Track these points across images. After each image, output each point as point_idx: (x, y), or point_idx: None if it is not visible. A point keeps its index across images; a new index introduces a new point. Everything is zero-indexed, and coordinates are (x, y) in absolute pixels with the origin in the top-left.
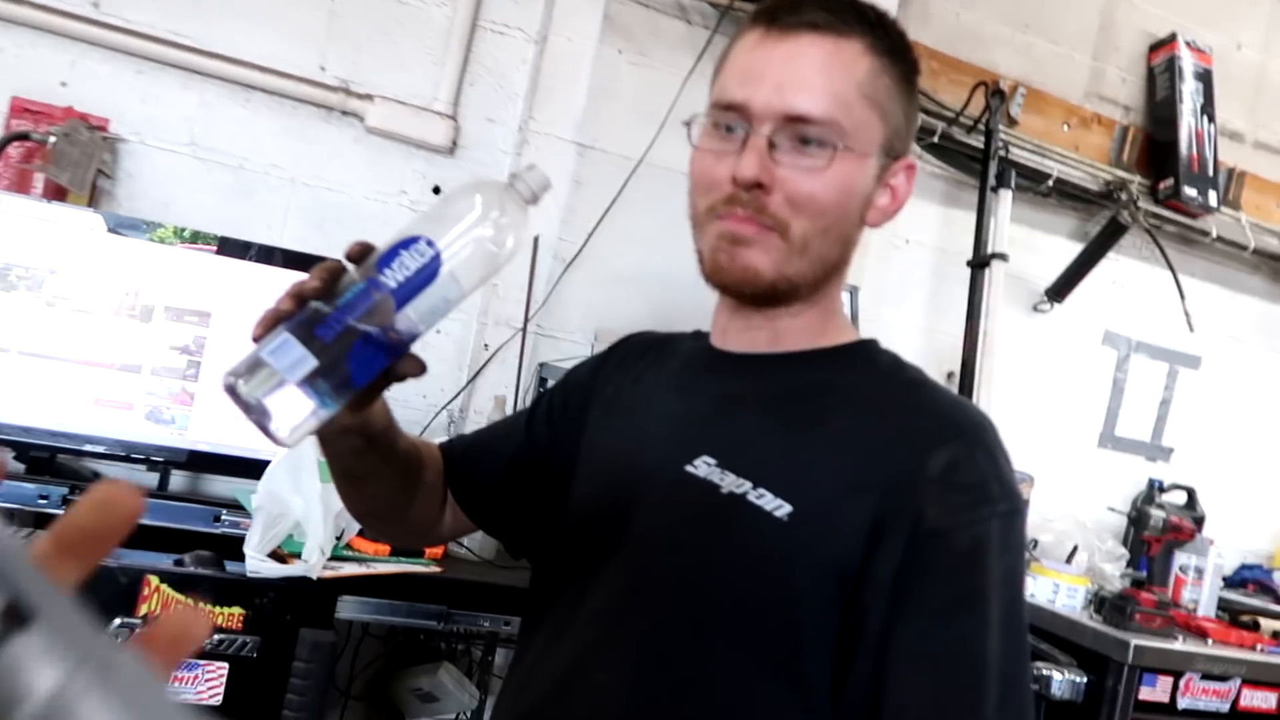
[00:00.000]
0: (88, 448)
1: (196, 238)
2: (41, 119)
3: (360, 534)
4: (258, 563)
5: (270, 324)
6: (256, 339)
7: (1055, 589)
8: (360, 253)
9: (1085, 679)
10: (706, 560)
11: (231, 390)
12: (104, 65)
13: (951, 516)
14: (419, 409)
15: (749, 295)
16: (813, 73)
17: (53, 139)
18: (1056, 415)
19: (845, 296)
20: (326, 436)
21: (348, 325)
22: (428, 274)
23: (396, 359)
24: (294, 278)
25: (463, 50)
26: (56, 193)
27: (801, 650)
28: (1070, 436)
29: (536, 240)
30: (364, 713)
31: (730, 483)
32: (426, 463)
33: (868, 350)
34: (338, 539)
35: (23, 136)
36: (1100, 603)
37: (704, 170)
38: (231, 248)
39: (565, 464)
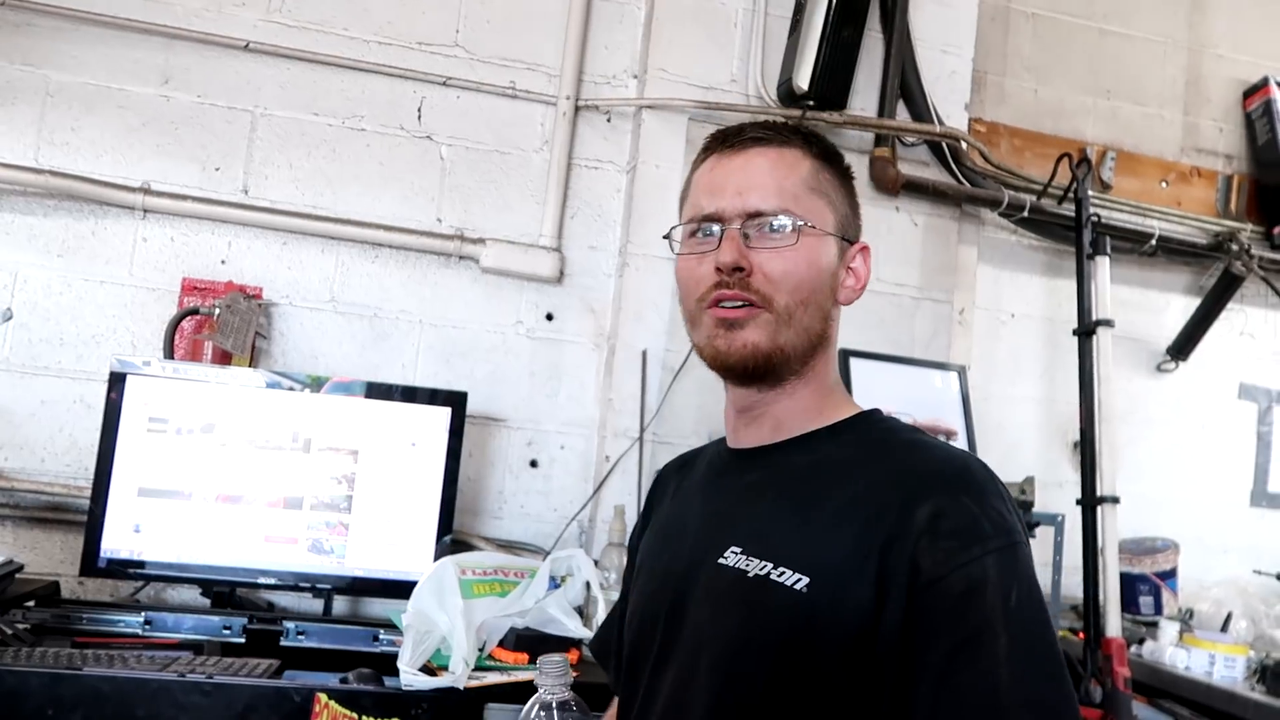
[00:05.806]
0: (262, 580)
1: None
2: (207, 294)
3: (500, 644)
4: (411, 677)
5: None
6: None
7: (1211, 660)
8: None
9: None
10: (746, 641)
11: None
12: (256, 241)
13: (944, 563)
14: (550, 522)
15: (751, 370)
16: (762, 175)
17: (217, 310)
18: (1200, 476)
19: (949, 377)
20: None
21: None
22: None
23: None
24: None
25: (561, 189)
26: (223, 357)
27: (839, 713)
28: (1218, 497)
29: (645, 354)
30: None
31: (755, 567)
32: None
33: (864, 422)
34: (480, 650)
35: (193, 312)
36: (1263, 672)
37: (690, 271)
38: (376, 391)
39: None
